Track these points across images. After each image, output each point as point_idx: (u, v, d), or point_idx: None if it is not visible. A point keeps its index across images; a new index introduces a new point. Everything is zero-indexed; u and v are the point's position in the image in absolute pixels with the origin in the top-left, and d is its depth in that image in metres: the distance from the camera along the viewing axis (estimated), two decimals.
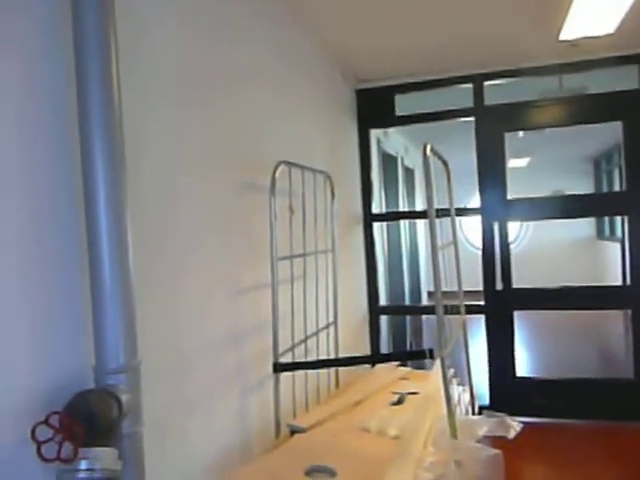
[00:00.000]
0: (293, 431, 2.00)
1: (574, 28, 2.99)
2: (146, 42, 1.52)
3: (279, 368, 2.03)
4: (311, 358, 2.44)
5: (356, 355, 2.44)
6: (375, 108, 4.05)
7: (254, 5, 2.28)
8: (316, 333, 2.49)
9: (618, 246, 7.86)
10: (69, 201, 1.17)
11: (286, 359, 2.16)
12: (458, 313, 2.75)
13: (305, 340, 2.37)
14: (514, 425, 1.96)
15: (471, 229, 9.02)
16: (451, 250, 2.62)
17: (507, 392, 3.89)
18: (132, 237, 1.22)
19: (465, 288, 2.85)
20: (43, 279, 1.11)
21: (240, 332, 2.00)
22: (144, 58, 1.50)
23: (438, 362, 1.93)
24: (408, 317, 5.67)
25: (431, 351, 1.80)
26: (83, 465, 0.98)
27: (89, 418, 1.01)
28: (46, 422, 0.97)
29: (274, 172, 2.06)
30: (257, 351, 2.09)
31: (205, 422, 1.75)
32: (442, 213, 2.43)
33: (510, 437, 1.92)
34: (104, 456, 1.00)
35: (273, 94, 2.43)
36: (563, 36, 3.14)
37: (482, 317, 3.92)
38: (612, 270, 8.09)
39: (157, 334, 1.50)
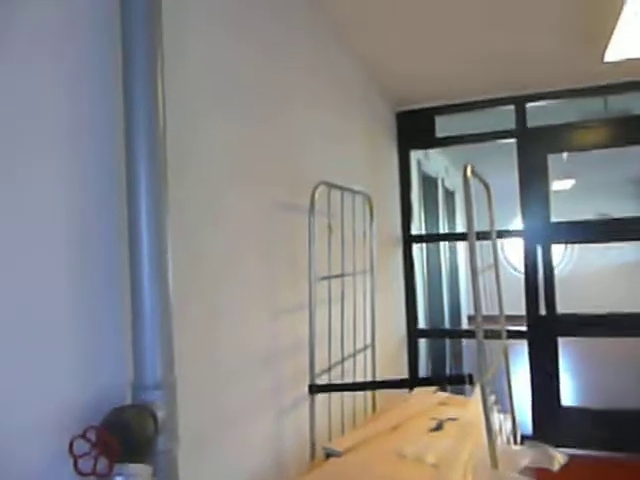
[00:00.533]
0: (328, 454, 1.97)
1: (619, 49, 2.92)
2: (192, 57, 1.55)
3: (315, 389, 2.01)
4: (347, 380, 2.41)
5: (393, 378, 2.39)
6: (415, 129, 4.04)
7: (298, 24, 2.32)
8: (353, 355, 2.47)
9: None
10: (112, 217, 1.20)
11: (322, 381, 2.14)
12: (499, 338, 2.68)
13: (342, 362, 2.35)
14: (558, 457, 1.89)
15: (513, 252, 8.83)
16: (492, 273, 2.56)
17: (552, 421, 3.74)
18: (172, 253, 1.24)
19: (508, 312, 2.78)
20: (88, 294, 1.13)
21: (277, 352, 1.99)
22: (191, 73, 1.53)
23: (478, 388, 1.87)
24: (448, 341, 5.56)
25: (471, 376, 1.75)
26: None
27: (125, 433, 1.02)
28: (83, 436, 0.98)
29: (313, 192, 2.06)
30: (293, 371, 2.08)
31: (240, 441, 1.74)
32: (483, 235, 2.39)
33: (554, 469, 1.84)
34: (139, 472, 1.01)
35: (314, 114, 2.46)
36: (608, 57, 3.07)
37: (524, 343, 3.80)
38: None
39: (194, 351, 1.51)
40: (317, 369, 2.08)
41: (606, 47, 2.94)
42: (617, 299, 8.13)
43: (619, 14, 2.50)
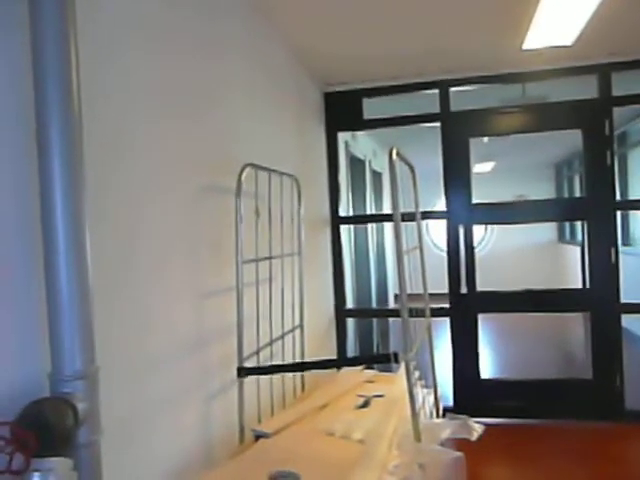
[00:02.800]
0: (257, 436, 1.98)
1: (537, 38, 3.06)
2: (114, 55, 1.48)
3: (243, 372, 2.01)
4: (276, 362, 2.42)
5: (320, 359, 2.43)
6: (343, 111, 4.06)
7: (223, 8, 2.26)
8: (282, 337, 2.48)
9: (578, 249, 8.08)
10: (23, 204, 1.14)
11: (251, 363, 2.14)
12: (424, 316, 2.77)
13: (271, 344, 2.35)
14: (476, 427, 1.99)
15: (437, 232, 9.13)
16: (417, 253, 2.64)
17: (471, 393, 3.94)
18: (96, 240, 1.19)
19: (432, 290, 2.88)
20: None
21: (205, 336, 1.97)
22: (113, 66, 1.47)
23: (404, 365, 1.94)
24: (375, 320, 5.71)
25: (396, 355, 1.80)
26: (35, 477, 0.94)
27: (42, 428, 0.98)
28: None
29: (240, 175, 2.04)
30: (222, 355, 2.06)
31: (168, 428, 1.72)
32: (408, 217, 2.45)
33: (473, 439, 1.94)
34: (58, 467, 0.97)
35: (240, 97, 2.41)
36: (526, 45, 3.20)
37: (447, 320, 3.96)
38: (573, 273, 8.30)
39: (121, 338, 1.47)
40: (246, 352, 2.07)
41: (525, 36, 3.06)
42: (533, 277, 8.64)
43: (537, 4, 2.61)
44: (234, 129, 2.32)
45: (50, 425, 1.01)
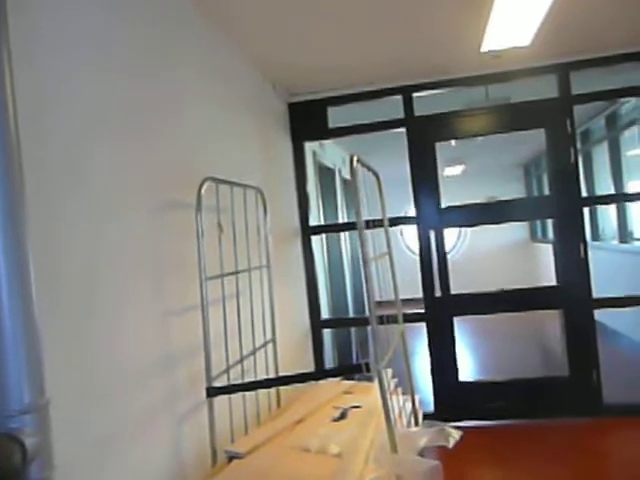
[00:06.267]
0: (231, 457, 1.93)
1: (494, 40, 3.08)
2: (58, 77, 1.43)
3: (212, 392, 1.95)
4: (249, 378, 2.37)
5: (289, 374, 2.39)
6: (308, 121, 4.04)
7: (185, 25, 2.23)
8: (254, 352, 2.43)
9: (550, 247, 8.19)
10: None
11: (222, 381, 2.08)
12: (396, 322, 2.75)
13: (241, 360, 2.30)
14: (454, 434, 1.96)
15: (411, 236, 9.16)
16: (387, 260, 2.61)
17: (451, 397, 3.92)
18: (53, 264, 1.14)
19: (408, 295, 2.86)
20: None
21: (170, 357, 1.91)
22: (55, 92, 1.41)
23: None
24: (354, 329, 5.67)
25: (367, 365, 1.77)
26: None
27: None
28: None
29: (199, 189, 1.99)
30: (189, 376, 2.00)
31: (135, 456, 1.65)
32: (376, 224, 2.43)
33: (450, 446, 1.92)
34: None
35: (199, 110, 2.37)
36: (484, 48, 3.23)
37: (424, 325, 3.94)
38: (546, 271, 8.39)
39: (76, 367, 1.41)
40: (215, 371, 2.02)
41: (482, 39, 3.08)
42: (508, 277, 8.71)
43: (491, 5, 2.62)
44: (193, 143, 2.27)
45: None
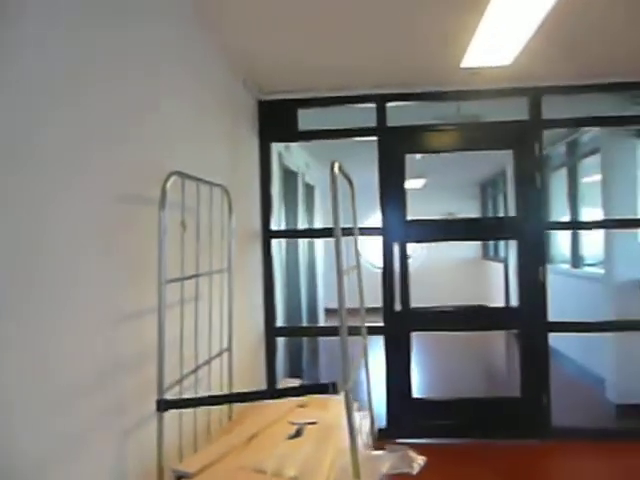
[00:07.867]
0: (179, 477, 1.77)
1: (475, 57, 3.05)
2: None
3: (164, 406, 1.78)
4: (202, 389, 2.21)
5: (249, 391, 2.24)
6: (277, 121, 3.90)
7: (147, 12, 2.06)
8: (209, 361, 2.27)
9: (501, 266, 8.33)
10: None
11: (173, 393, 1.92)
12: (359, 334, 2.65)
13: (196, 370, 2.14)
14: (418, 459, 1.87)
15: (368, 247, 9.14)
16: (354, 270, 2.52)
17: (403, 413, 3.85)
18: None
19: (365, 305, 2.77)
20: None
21: (119, 364, 1.74)
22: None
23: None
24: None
25: (334, 385, 1.65)
26: None
27: None
28: None
29: (164, 184, 1.83)
30: (139, 386, 1.83)
31: (75, 473, 1.48)
32: (345, 232, 2.33)
33: (414, 473, 1.83)
34: None
35: (166, 102, 2.20)
36: (464, 64, 3.19)
37: (381, 337, 3.86)
38: (496, 289, 8.53)
39: (18, 371, 1.24)
40: (168, 381, 1.86)
41: (464, 54, 3.04)
42: (461, 292, 8.79)
43: (478, 23, 2.58)
44: (159, 136, 2.11)
45: None
